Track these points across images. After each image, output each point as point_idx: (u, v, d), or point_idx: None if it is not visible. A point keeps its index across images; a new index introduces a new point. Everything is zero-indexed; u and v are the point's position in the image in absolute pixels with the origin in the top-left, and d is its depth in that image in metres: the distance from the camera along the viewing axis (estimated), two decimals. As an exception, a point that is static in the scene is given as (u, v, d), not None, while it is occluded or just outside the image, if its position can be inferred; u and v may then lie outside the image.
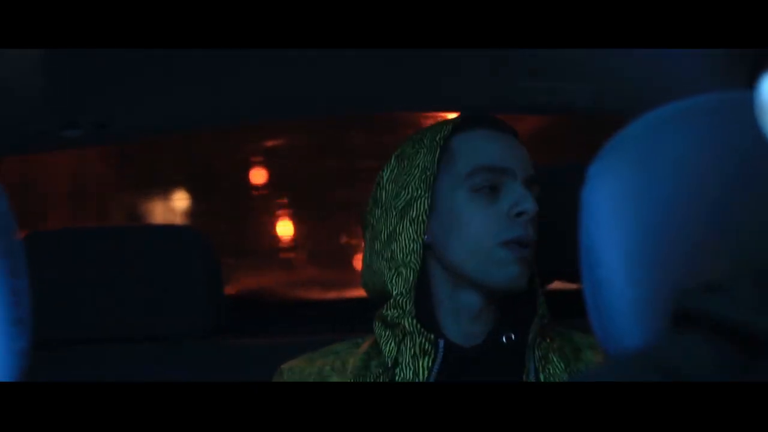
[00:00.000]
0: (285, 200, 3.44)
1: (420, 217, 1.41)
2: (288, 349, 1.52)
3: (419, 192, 1.42)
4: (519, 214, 1.39)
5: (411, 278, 1.40)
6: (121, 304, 1.81)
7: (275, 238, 3.47)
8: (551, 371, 1.39)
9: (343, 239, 3.44)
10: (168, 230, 2.01)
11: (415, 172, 1.43)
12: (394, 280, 1.41)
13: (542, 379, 1.38)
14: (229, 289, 2.25)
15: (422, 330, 1.38)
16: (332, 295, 3.22)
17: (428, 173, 1.42)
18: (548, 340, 1.42)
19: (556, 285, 1.89)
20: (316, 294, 3.31)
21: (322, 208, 3.43)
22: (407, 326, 1.38)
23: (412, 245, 1.41)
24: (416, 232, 1.41)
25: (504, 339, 1.41)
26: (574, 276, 0.89)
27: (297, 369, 1.44)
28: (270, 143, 3.35)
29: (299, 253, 3.46)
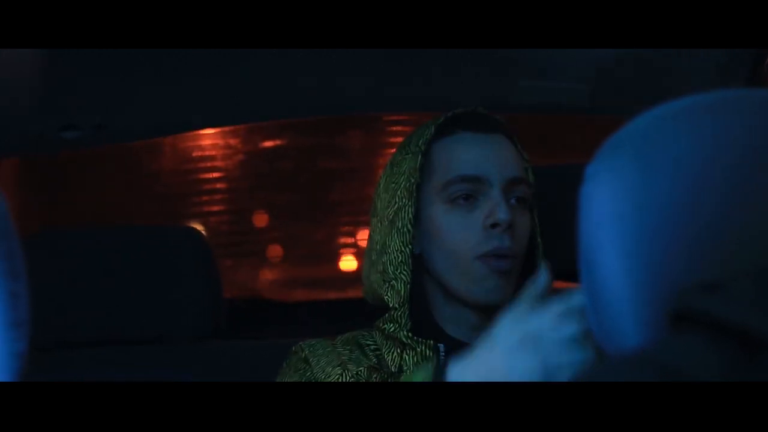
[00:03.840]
0: (282, 200, 3.44)
1: (405, 228, 1.39)
2: (287, 350, 1.52)
3: (403, 201, 1.40)
4: (493, 225, 1.36)
5: (403, 291, 1.39)
6: (119, 305, 1.81)
7: (272, 238, 3.47)
8: None
9: (341, 239, 3.44)
10: (166, 230, 2.01)
11: (401, 180, 1.42)
12: (388, 294, 1.40)
13: None
14: (228, 291, 2.25)
15: (419, 340, 1.38)
16: (331, 295, 3.22)
17: (412, 181, 1.40)
18: None
19: (556, 284, 1.89)
20: (314, 294, 3.31)
21: (319, 208, 3.43)
22: (404, 339, 1.38)
23: (400, 257, 1.39)
24: (403, 243, 1.39)
25: None
26: (573, 275, 0.89)
27: (319, 346, 1.42)
28: (268, 143, 3.35)
29: (297, 253, 3.46)
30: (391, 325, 1.40)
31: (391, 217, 1.41)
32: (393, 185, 1.43)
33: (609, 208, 0.76)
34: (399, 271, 1.39)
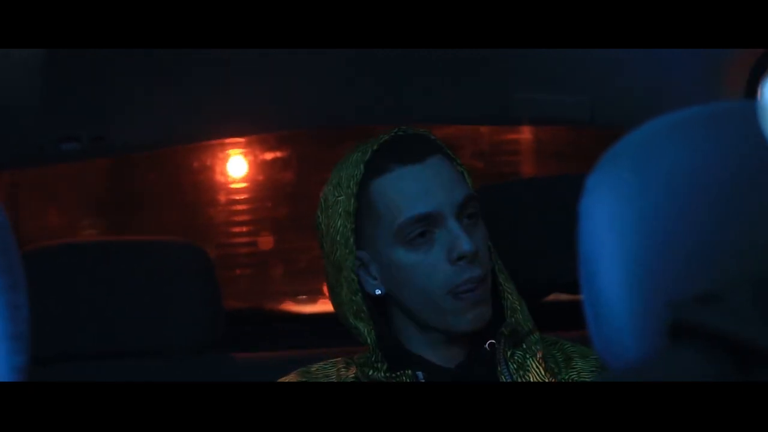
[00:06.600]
0: (284, 212, 3.44)
1: (350, 276, 1.36)
2: (288, 363, 1.52)
3: (345, 250, 1.36)
4: (459, 258, 1.33)
5: (372, 332, 1.36)
6: (119, 318, 1.81)
7: (274, 250, 3.46)
8: (531, 380, 1.37)
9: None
10: (166, 245, 2.01)
11: (338, 223, 1.37)
12: (360, 334, 1.38)
13: None
14: (228, 303, 2.25)
15: (399, 375, 1.35)
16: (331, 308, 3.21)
17: (348, 226, 1.36)
18: (524, 346, 1.39)
19: (556, 296, 1.89)
20: (315, 307, 3.30)
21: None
22: (383, 379, 1.36)
23: (354, 306, 1.37)
24: (350, 290, 1.37)
25: (487, 346, 1.38)
26: (573, 287, 0.89)
27: None
28: (269, 155, 3.35)
29: (299, 266, 3.46)
30: (369, 369, 1.37)
31: (335, 261, 1.38)
32: (331, 229, 1.38)
33: (608, 219, 0.76)
34: (359, 315, 1.37)
